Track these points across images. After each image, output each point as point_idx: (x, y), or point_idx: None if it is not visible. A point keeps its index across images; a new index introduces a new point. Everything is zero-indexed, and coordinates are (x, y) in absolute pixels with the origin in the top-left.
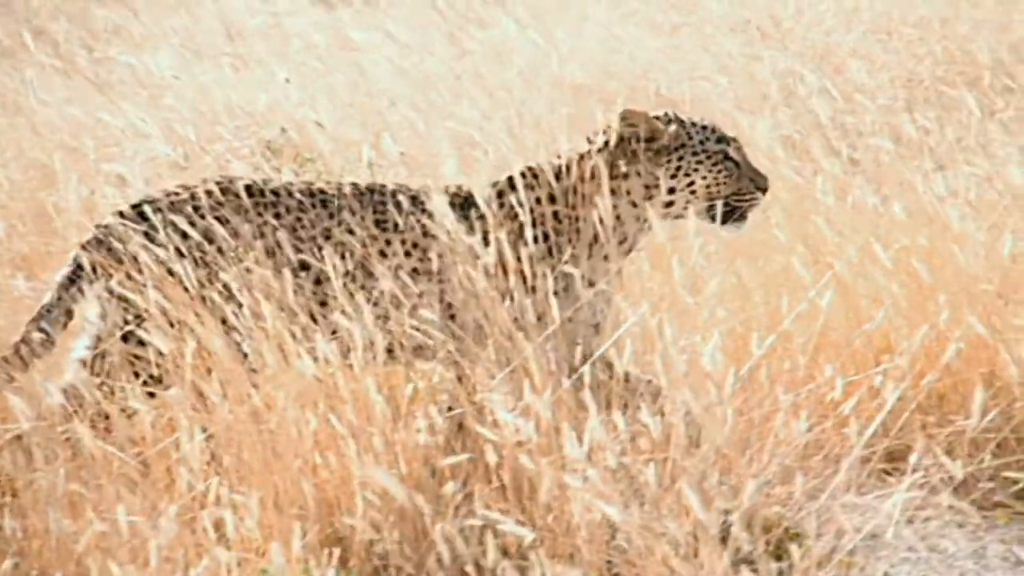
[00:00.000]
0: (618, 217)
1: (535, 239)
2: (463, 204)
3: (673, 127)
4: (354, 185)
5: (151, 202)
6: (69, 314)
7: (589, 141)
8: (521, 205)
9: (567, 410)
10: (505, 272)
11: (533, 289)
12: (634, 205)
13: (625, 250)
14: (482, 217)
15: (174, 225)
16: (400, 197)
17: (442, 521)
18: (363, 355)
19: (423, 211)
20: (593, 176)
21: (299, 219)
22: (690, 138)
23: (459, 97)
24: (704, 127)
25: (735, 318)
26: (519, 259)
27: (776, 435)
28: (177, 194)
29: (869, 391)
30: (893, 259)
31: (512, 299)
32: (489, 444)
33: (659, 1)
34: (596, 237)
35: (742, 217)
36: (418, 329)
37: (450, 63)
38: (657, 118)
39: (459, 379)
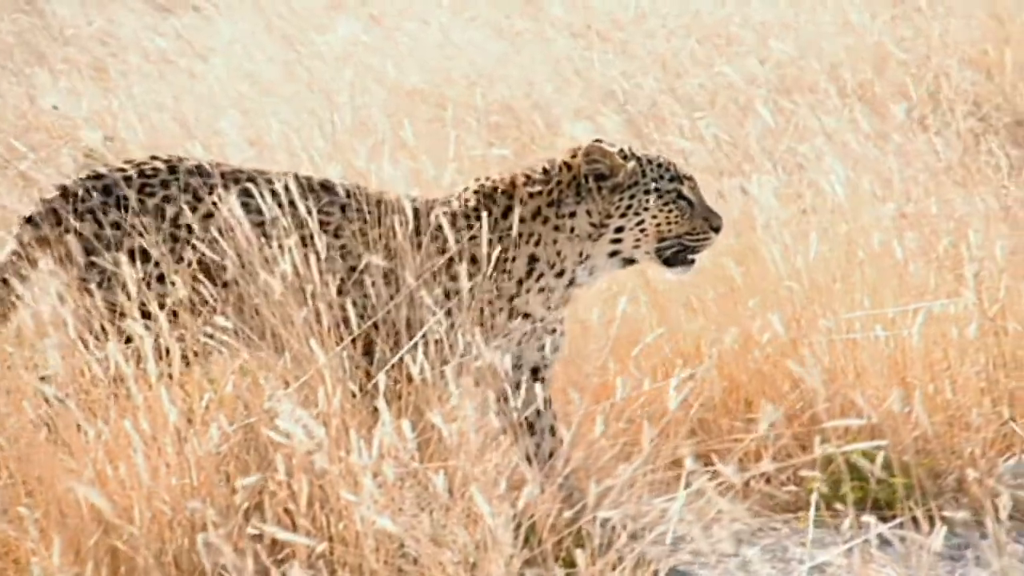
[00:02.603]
0: (558, 253)
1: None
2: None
3: (631, 164)
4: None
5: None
6: None
7: (545, 172)
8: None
9: (361, 418)
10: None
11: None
12: (578, 239)
13: (564, 283)
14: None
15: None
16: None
17: (225, 529)
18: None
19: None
20: (535, 217)
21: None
22: (644, 176)
23: (290, 102)
24: (659, 164)
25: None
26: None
27: (572, 439)
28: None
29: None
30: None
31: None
32: (280, 452)
33: (503, 5)
34: (531, 271)
35: (691, 261)
36: (213, 335)
37: (287, 67)
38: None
39: (253, 386)
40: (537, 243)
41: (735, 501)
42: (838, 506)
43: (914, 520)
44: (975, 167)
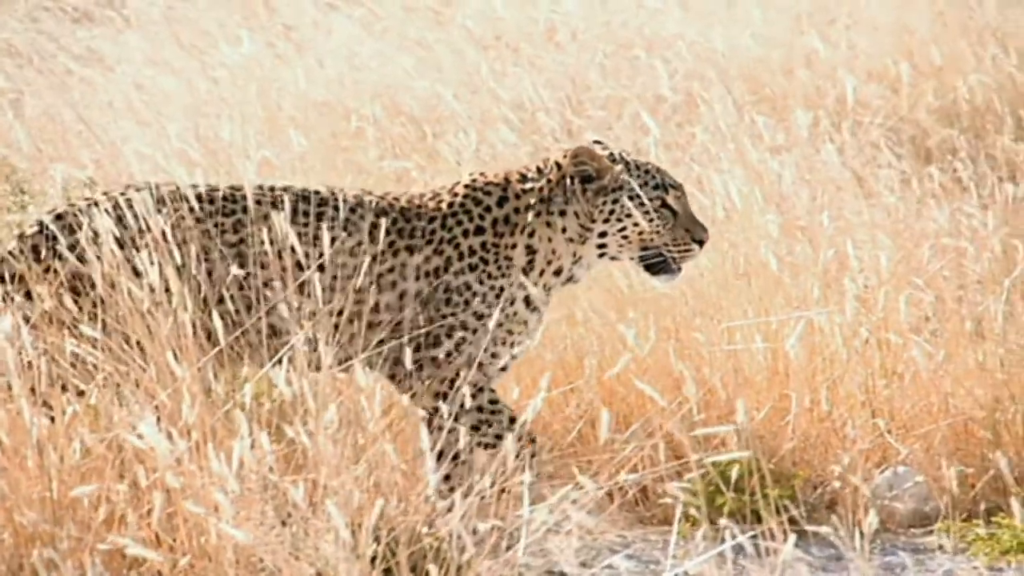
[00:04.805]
0: (553, 251)
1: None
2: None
3: (617, 168)
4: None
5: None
6: None
7: (539, 171)
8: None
9: (226, 430)
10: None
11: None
12: (570, 241)
13: (563, 280)
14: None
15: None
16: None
17: (80, 544)
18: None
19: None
20: (527, 209)
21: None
22: (629, 181)
23: (186, 114)
24: (646, 171)
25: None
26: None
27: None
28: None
29: (551, 406)
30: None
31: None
32: (141, 466)
33: (414, 18)
34: (531, 263)
35: (675, 269)
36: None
37: (191, 80)
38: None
39: (117, 399)
40: (531, 235)
41: (599, 512)
42: (715, 517)
43: (770, 531)
44: (872, 179)
